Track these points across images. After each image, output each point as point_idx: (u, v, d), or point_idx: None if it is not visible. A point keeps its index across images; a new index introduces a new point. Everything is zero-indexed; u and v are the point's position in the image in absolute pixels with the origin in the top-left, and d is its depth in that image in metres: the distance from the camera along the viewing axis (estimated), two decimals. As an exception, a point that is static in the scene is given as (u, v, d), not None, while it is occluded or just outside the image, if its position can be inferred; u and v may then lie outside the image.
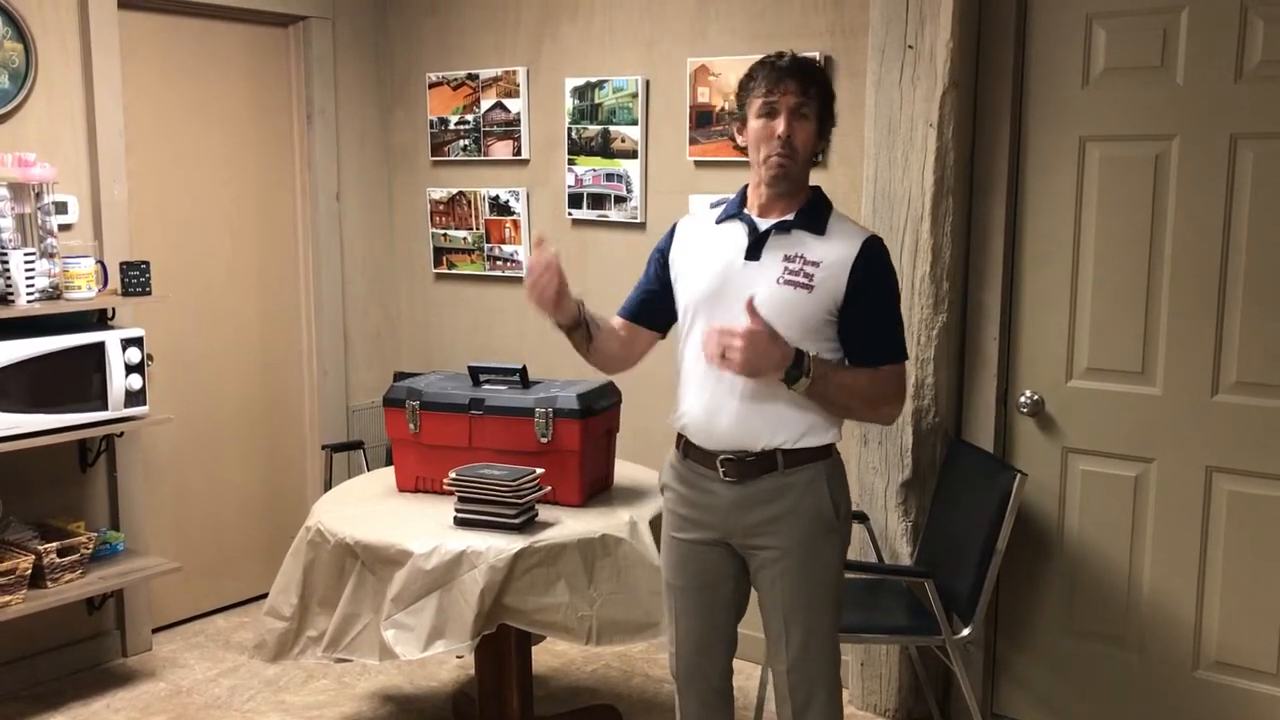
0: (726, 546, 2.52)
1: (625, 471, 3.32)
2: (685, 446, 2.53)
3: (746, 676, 2.73)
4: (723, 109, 3.74)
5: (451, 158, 4.47)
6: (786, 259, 2.41)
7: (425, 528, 2.89)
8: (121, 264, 3.66)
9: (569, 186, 4.16)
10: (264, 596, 3.13)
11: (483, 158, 4.38)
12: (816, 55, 3.52)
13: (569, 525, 2.88)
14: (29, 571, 3.41)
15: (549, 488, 2.97)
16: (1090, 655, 3.34)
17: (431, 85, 4.48)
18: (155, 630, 4.14)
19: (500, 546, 2.75)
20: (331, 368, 4.60)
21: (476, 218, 4.43)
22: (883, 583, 3.40)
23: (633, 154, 3.99)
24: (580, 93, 4.09)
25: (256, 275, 4.42)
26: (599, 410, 3.11)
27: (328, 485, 3.98)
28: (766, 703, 3.48)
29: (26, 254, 3.38)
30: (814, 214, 2.45)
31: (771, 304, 2.37)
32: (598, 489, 3.15)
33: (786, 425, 2.41)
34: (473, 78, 4.36)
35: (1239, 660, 3.12)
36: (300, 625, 2.96)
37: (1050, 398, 3.33)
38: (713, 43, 3.79)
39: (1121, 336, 3.20)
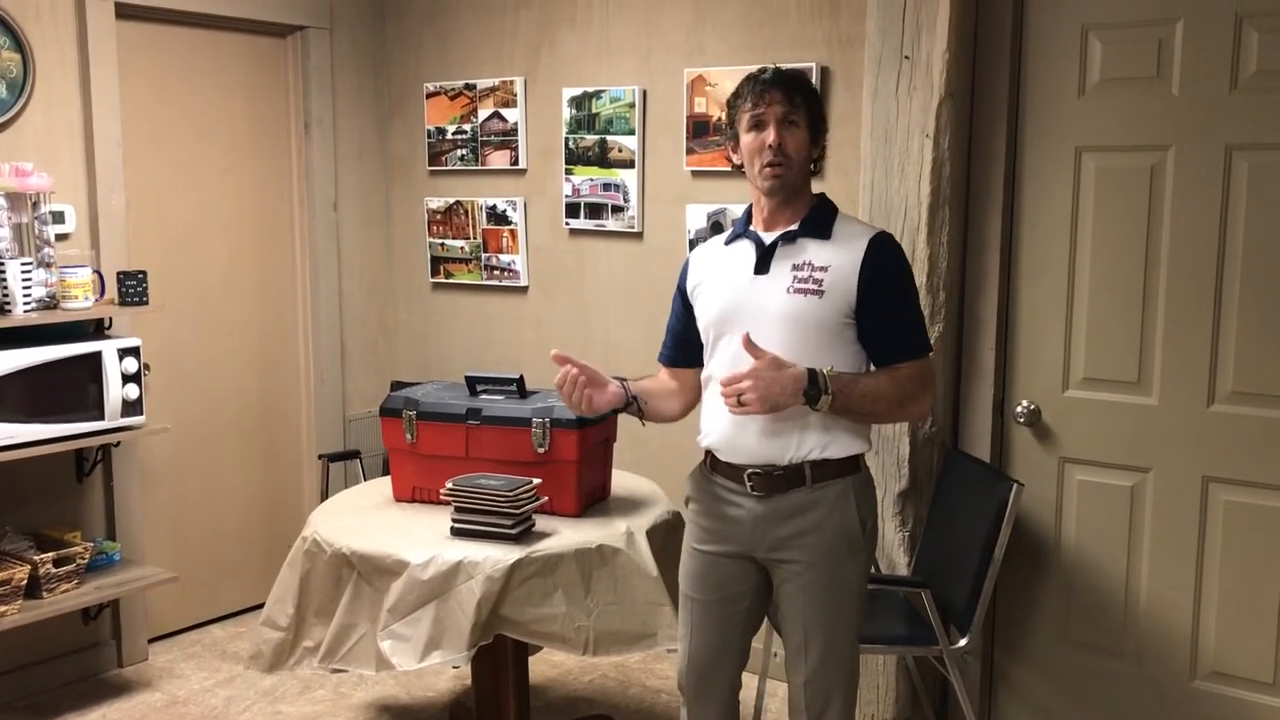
0: (749, 560, 2.52)
1: (622, 482, 3.32)
2: (712, 461, 2.54)
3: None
4: (720, 119, 3.74)
5: (449, 167, 4.48)
6: (795, 268, 2.42)
7: (422, 538, 2.88)
8: (119, 274, 3.66)
9: (566, 196, 4.16)
10: (260, 606, 3.13)
11: (480, 167, 4.39)
12: (813, 66, 3.53)
13: (566, 535, 2.88)
14: (25, 582, 3.41)
15: (546, 498, 2.97)
16: (1087, 665, 3.34)
17: (429, 95, 4.48)
18: (151, 640, 4.13)
19: (497, 557, 2.75)
20: (328, 377, 4.59)
21: (474, 227, 4.43)
22: (880, 593, 3.39)
23: (630, 164, 3.99)
24: (577, 103, 4.09)
25: (254, 284, 4.42)
26: (596, 420, 3.10)
27: (324, 495, 3.98)
28: (764, 714, 3.48)
29: (23, 263, 3.39)
30: (819, 220, 2.46)
31: (785, 315, 2.40)
32: (595, 499, 3.15)
33: (813, 436, 2.41)
34: (470, 88, 4.37)
35: (1236, 670, 3.12)
36: (297, 635, 2.95)
37: (1047, 408, 3.33)
38: (710, 53, 3.80)
39: (1118, 346, 3.21)
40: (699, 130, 3.82)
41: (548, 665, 3.96)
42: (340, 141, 4.55)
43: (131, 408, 3.60)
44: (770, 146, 2.40)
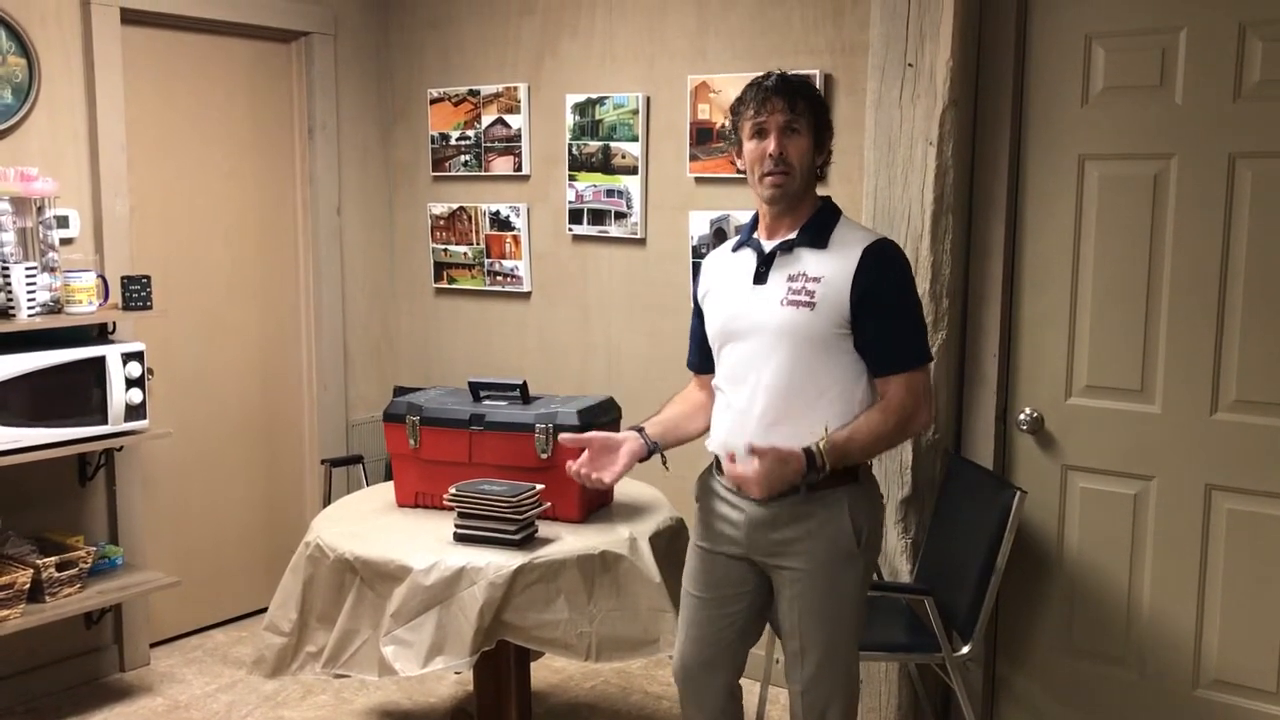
0: (749, 561, 2.53)
1: (625, 488, 3.32)
2: (716, 462, 2.57)
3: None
4: (723, 126, 3.75)
5: (452, 173, 4.49)
6: (790, 279, 2.42)
7: (425, 543, 2.89)
8: (122, 278, 3.66)
9: (569, 202, 4.17)
10: (263, 611, 3.13)
11: (483, 173, 4.40)
12: (816, 73, 3.54)
13: (569, 541, 2.88)
14: (27, 586, 3.41)
15: (549, 504, 2.97)
16: (1090, 673, 3.34)
17: (433, 101, 4.49)
18: (153, 645, 4.13)
19: (500, 563, 2.75)
20: (331, 382, 4.60)
21: (477, 233, 4.43)
22: (882, 600, 3.39)
23: (633, 170, 4.00)
24: (581, 109, 4.10)
25: (257, 289, 4.42)
26: (599, 426, 3.10)
27: (327, 500, 3.98)
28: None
29: (28, 268, 3.39)
30: (817, 229, 2.45)
31: (778, 328, 2.41)
32: (598, 505, 3.15)
33: (809, 443, 2.40)
34: (474, 94, 4.37)
35: (1239, 679, 3.11)
36: (299, 641, 2.95)
37: (1050, 415, 3.33)
38: (713, 60, 3.81)
39: (1121, 354, 3.21)
40: (702, 137, 3.82)
41: (550, 671, 3.96)
42: (344, 147, 4.56)
43: (135, 412, 3.60)
44: (771, 155, 2.40)
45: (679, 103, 3.88)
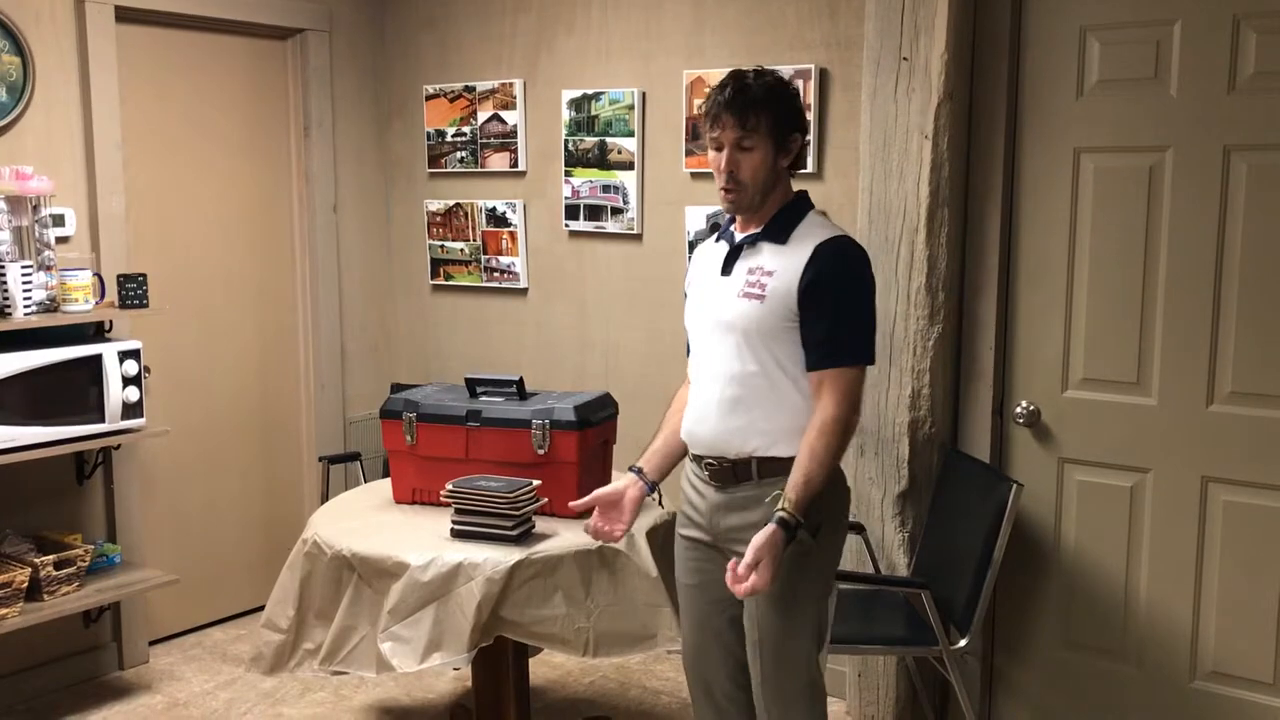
0: (717, 549, 2.55)
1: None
2: (692, 450, 2.62)
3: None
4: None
5: (448, 169, 4.49)
6: (749, 272, 2.47)
7: (422, 540, 2.89)
8: (119, 276, 3.66)
9: (566, 198, 4.17)
10: (261, 609, 3.13)
11: (480, 169, 4.40)
12: (811, 68, 3.54)
13: (566, 537, 2.88)
14: (25, 584, 3.41)
15: (546, 499, 2.97)
16: (1087, 665, 3.34)
17: (428, 97, 4.49)
18: (152, 643, 4.13)
19: (497, 558, 2.75)
20: (328, 379, 4.60)
21: (473, 229, 4.43)
22: (879, 593, 3.41)
23: (629, 166, 4.00)
24: (577, 105, 4.10)
25: (254, 287, 4.42)
26: (596, 422, 3.11)
27: (325, 497, 3.98)
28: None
29: (24, 266, 3.39)
30: (780, 224, 2.48)
31: (730, 319, 2.47)
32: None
33: (760, 433, 2.45)
34: (469, 90, 4.37)
35: (1236, 670, 3.12)
36: (297, 638, 2.96)
37: (1046, 408, 3.34)
38: (709, 56, 3.81)
39: (1117, 347, 3.21)
40: (698, 133, 3.82)
41: (548, 667, 3.97)
42: (340, 144, 4.56)
43: (132, 410, 3.60)
44: (721, 172, 2.44)
45: (675, 98, 3.88)
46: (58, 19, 3.67)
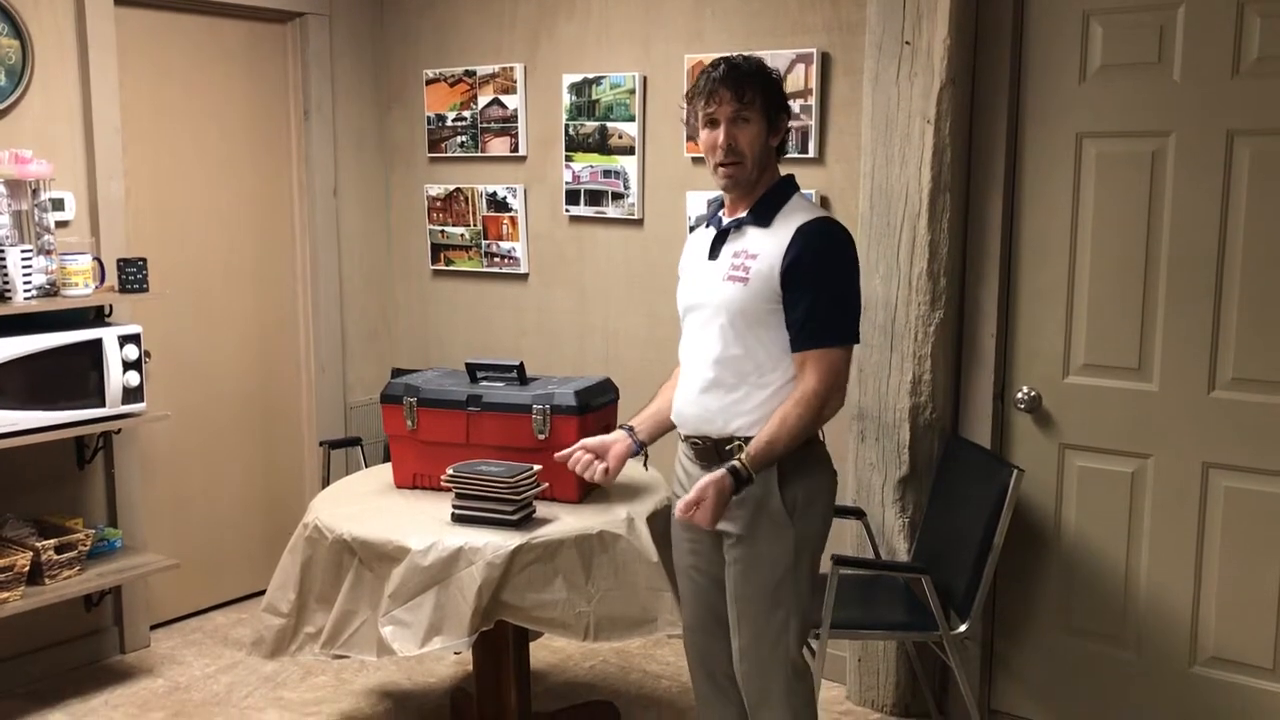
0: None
1: (623, 470, 3.32)
2: (680, 430, 2.66)
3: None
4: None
5: (449, 154, 4.47)
6: (734, 255, 2.50)
7: (423, 524, 2.89)
8: (119, 261, 3.65)
9: (566, 183, 4.16)
10: (262, 593, 3.13)
11: (480, 154, 4.38)
12: (813, 52, 3.52)
13: (567, 522, 2.88)
14: (27, 568, 3.42)
15: (546, 484, 2.97)
16: (1087, 651, 3.35)
17: (429, 82, 4.47)
18: (153, 627, 4.14)
19: (498, 543, 2.75)
20: (329, 364, 4.60)
21: (474, 214, 4.43)
22: (880, 579, 3.41)
23: (630, 150, 3.99)
24: (577, 89, 4.08)
25: (254, 272, 4.42)
26: (596, 407, 3.11)
27: (325, 482, 3.98)
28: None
29: (24, 251, 3.38)
30: (766, 207, 2.51)
31: (717, 302, 2.50)
32: (595, 486, 3.14)
33: (743, 413, 2.48)
34: (470, 74, 4.36)
35: (1235, 656, 3.13)
36: (298, 622, 2.96)
37: (1047, 394, 3.33)
38: (709, 40, 3.79)
39: (1118, 333, 3.21)
40: (689, 120, 3.80)
41: (549, 651, 3.97)
42: (340, 128, 4.55)
43: (132, 395, 3.60)
44: (721, 146, 2.46)
45: (676, 83, 3.86)
46: (56, 2, 3.65)
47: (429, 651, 2.73)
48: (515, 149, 4.29)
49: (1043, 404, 3.34)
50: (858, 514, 3.47)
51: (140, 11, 3.97)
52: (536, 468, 2.93)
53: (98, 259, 3.67)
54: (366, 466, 3.96)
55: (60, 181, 3.65)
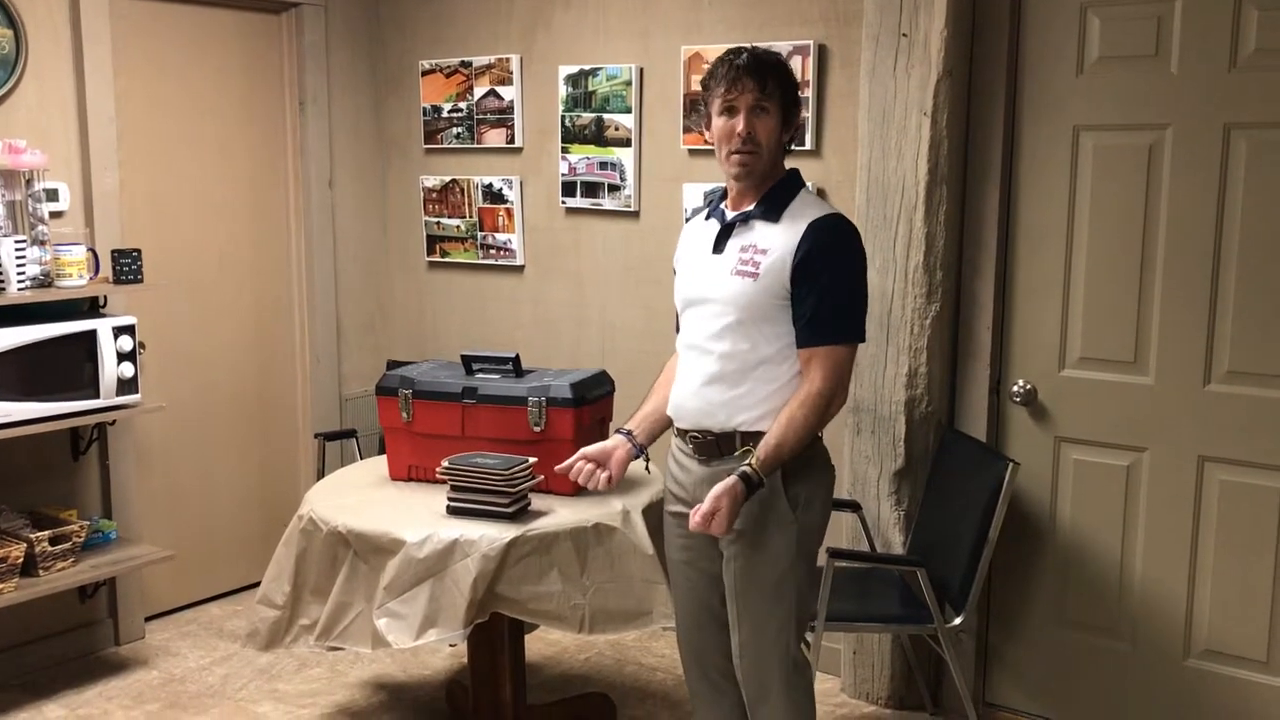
0: None
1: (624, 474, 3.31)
2: (678, 425, 2.63)
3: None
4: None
5: (445, 145, 4.46)
6: (742, 250, 2.48)
7: (418, 516, 2.89)
8: (113, 252, 3.64)
9: (562, 175, 4.15)
10: (257, 585, 3.13)
11: (476, 145, 4.37)
12: (810, 44, 3.51)
13: (562, 514, 2.88)
14: (21, 560, 3.41)
15: (542, 476, 2.97)
16: (1082, 644, 3.35)
17: (424, 73, 4.46)
18: (148, 619, 4.13)
19: (493, 535, 2.75)
20: (324, 356, 4.59)
21: (470, 206, 4.42)
22: (875, 571, 3.41)
23: (626, 142, 3.98)
24: (574, 80, 4.07)
25: (249, 263, 4.41)
26: (592, 399, 3.11)
27: (320, 474, 3.98)
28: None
29: (17, 241, 3.37)
30: (774, 202, 2.49)
31: (725, 297, 2.47)
32: (591, 478, 3.14)
33: (746, 408, 2.47)
34: (466, 65, 4.35)
35: (1229, 649, 3.13)
36: (293, 614, 2.96)
37: (1043, 387, 3.33)
38: (706, 31, 3.78)
39: (1114, 326, 3.20)
40: (696, 108, 3.80)
41: (544, 643, 3.97)
42: (335, 119, 4.53)
43: (127, 386, 3.59)
44: (740, 134, 2.43)
45: (672, 74, 3.86)
46: (50, -9, 3.64)
47: (424, 644, 2.73)
48: (511, 140, 4.27)
49: (1038, 397, 3.34)
50: (853, 507, 3.46)
51: (135, 1, 3.95)
52: (532, 460, 2.93)
53: (92, 250, 3.65)
54: (361, 458, 3.96)
55: (54, 172, 3.64)
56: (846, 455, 3.51)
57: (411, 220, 4.62)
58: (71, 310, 3.61)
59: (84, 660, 3.88)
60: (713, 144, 2.52)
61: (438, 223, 4.52)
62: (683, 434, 2.60)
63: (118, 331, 3.56)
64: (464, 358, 3.24)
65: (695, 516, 2.36)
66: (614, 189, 4.03)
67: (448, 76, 4.40)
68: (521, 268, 4.34)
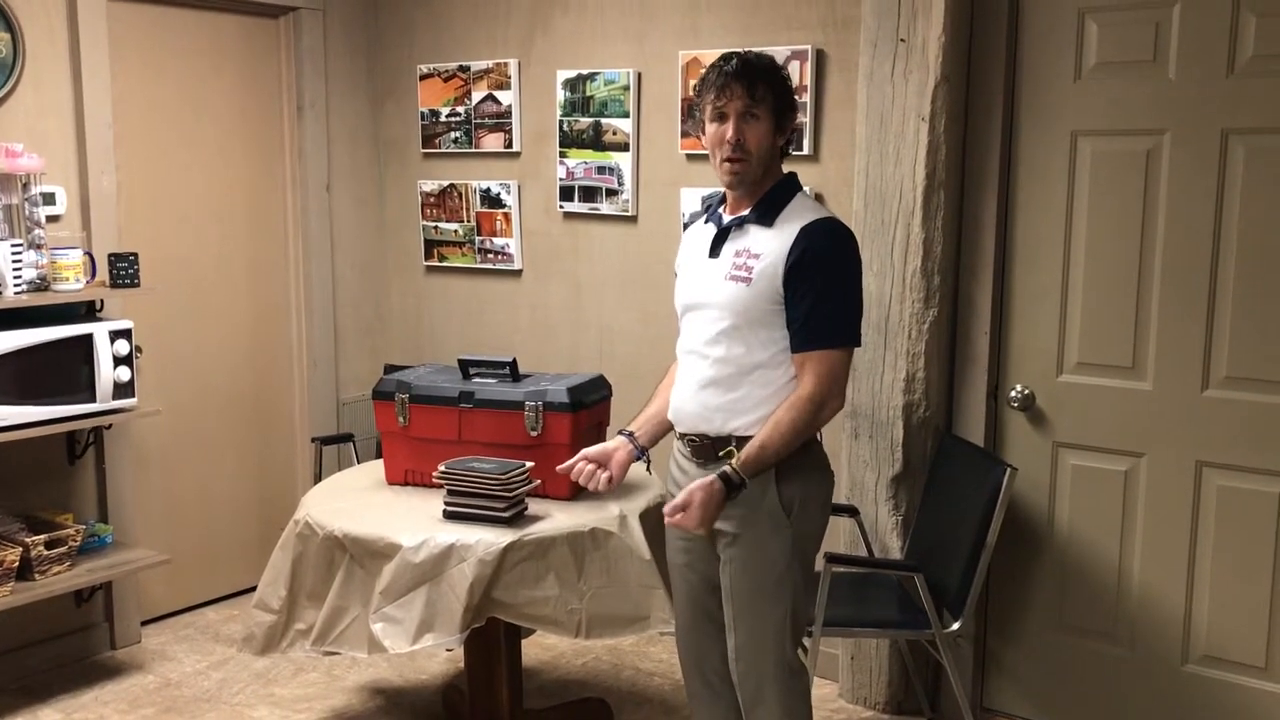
0: None
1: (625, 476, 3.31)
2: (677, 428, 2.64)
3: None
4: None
5: (442, 150, 4.46)
6: (736, 254, 2.48)
7: (414, 521, 2.88)
8: (110, 255, 3.64)
9: (560, 179, 4.15)
10: (253, 589, 3.12)
11: (474, 150, 4.37)
12: (807, 49, 3.52)
13: (558, 519, 2.88)
14: (16, 564, 3.40)
15: (539, 481, 2.96)
16: (1080, 649, 3.35)
17: (422, 77, 4.46)
18: (144, 623, 4.12)
19: (490, 540, 2.75)
20: (321, 360, 4.58)
21: (467, 210, 4.41)
22: (873, 576, 3.41)
23: (624, 147, 3.98)
24: (572, 85, 4.07)
25: (246, 267, 4.40)
26: (589, 404, 3.10)
27: (317, 478, 3.97)
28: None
29: (14, 245, 3.37)
30: (769, 206, 2.49)
31: (719, 301, 2.48)
32: (588, 482, 3.14)
33: (741, 412, 2.47)
34: (464, 70, 4.35)
35: (1227, 654, 3.13)
36: (289, 618, 2.95)
37: (1041, 392, 3.33)
38: (704, 36, 3.78)
39: (1112, 331, 3.20)
40: (693, 113, 3.79)
41: (540, 648, 3.97)
42: (333, 123, 4.53)
43: (123, 390, 3.59)
44: (729, 141, 2.43)
45: (670, 79, 3.86)
46: (48, -5, 3.64)
47: (420, 649, 2.73)
48: (509, 145, 4.27)
49: (1036, 402, 3.34)
50: (851, 512, 3.46)
51: (133, 5, 3.95)
52: (529, 464, 2.93)
53: (89, 254, 3.65)
54: (358, 463, 3.95)
55: (51, 176, 3.64)
56: (844, 460, 3.51)
57: (409, 224, 4.62)
58: (68, 314, 3.61)
59: (80, 664, 3.87)
60: (707, 150, 2.52)
61: (435, 227, 4.51)
62: (682, 437, 2.61)
63: (114, 335, 3.55)
64: (461, 362, 3.24)
65: (667, 508, 2.37)
66: (612, 193, 4.03)
67: (445, 81, 4.40)
68: (519, 272, 4.34)
